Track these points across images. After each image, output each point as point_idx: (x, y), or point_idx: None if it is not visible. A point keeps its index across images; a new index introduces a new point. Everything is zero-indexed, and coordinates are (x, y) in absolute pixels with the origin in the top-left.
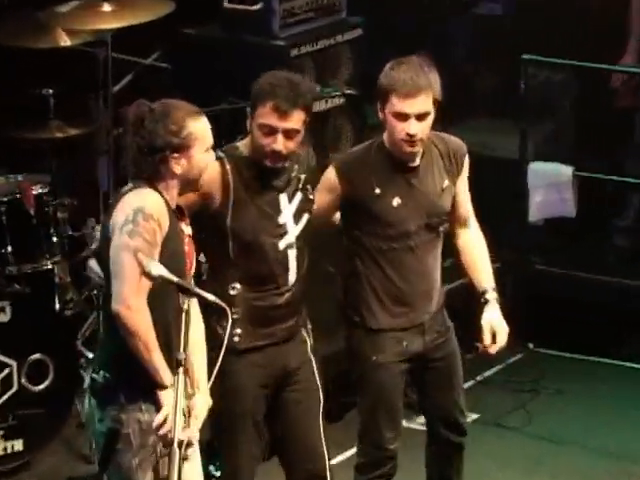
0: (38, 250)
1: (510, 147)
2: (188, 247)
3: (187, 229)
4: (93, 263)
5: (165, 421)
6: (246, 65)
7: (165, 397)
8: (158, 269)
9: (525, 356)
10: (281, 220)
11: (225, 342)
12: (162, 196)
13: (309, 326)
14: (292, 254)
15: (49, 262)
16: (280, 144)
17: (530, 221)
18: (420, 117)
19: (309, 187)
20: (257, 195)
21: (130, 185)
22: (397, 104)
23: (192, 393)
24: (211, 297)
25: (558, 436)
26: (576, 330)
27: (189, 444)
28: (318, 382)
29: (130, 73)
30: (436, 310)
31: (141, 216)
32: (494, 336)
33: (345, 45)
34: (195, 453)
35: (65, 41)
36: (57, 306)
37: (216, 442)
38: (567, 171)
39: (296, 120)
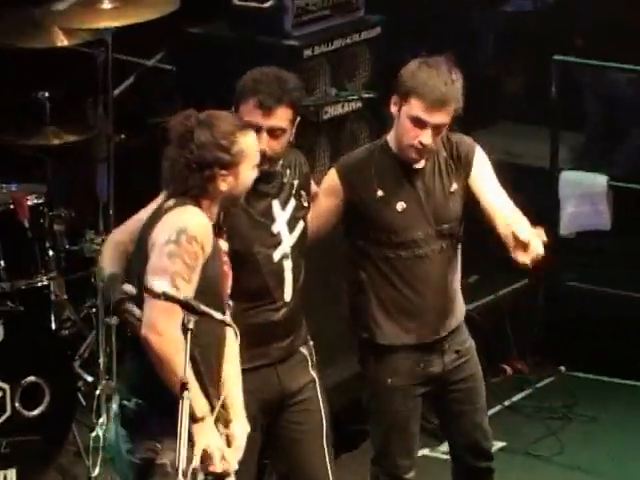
0: (33, 265)
1: (540, 154)
2: (227, 266)
3: (224, 245)
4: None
5: (207, 456)
6: (256, 66)
7: (198, 430)
8: (160, 287)
9: (556, 380)
10: (275, 229)
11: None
12: (204, 212)
13: (310, 343)
14: (287, 266)
15: (44, 278)
16: (264, 143)
17: (562, 234)
18: (437, 128)
19: (303, 193)
20: (248, 203)
21: (173, 201)
22: (418, 110)
23: (229, 420)
24: (218, 315)
25: (591, 467)
26: (612, 352)
27: (226, 475)
28: (321, 404)
29: (132, 75)
30: (454, 328)
31: (184, 237)
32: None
33: (363, 45)
34: None
35: (62, 41)
36: (53, 325)
37: None
38: (602, 181)
39: (281, 117)
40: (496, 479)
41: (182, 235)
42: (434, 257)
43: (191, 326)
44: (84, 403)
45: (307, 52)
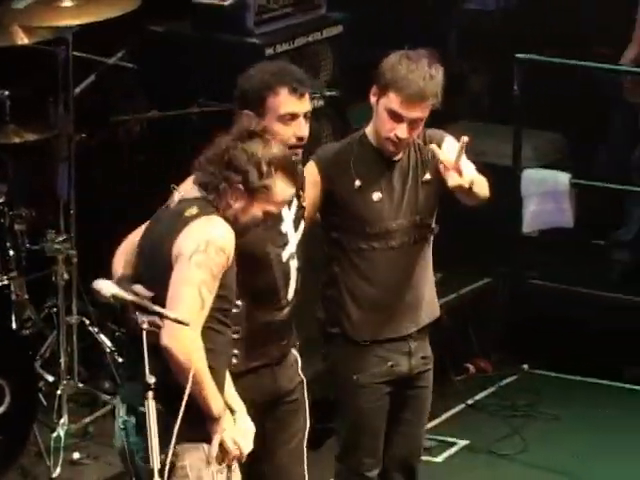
0: None
1: (503, 153)
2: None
3: None
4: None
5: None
6: (218, 65)
7: (216, 429)
8: (109, 289)
9: (519, 378)
10: (283, 228)
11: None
12: (226, 219)
13: (297, 343)
14: (293, 265)
15: (5, 278)
16: (305, 128)
17: (524, 232)
18: (413, 122)
19: (301, 192)
20: None
21: (196, 209)
22: (395, 103)
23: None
24: (172, 314)
25: (554, 465)
26: (574, 349)
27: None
28: (307, 405)
29: (93, 74)
30: (424, 327)
31: (213, 248)
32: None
33: (325, 43)
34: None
35: (22, 39)
36: (14, 325)
37: None
38: (564, 178)
39: (309, 101)
40: (460, 478)
41: (211, 245)
42: (406, 249)
43: (145, 326)
44: (45, 403)
45: (269, 50)
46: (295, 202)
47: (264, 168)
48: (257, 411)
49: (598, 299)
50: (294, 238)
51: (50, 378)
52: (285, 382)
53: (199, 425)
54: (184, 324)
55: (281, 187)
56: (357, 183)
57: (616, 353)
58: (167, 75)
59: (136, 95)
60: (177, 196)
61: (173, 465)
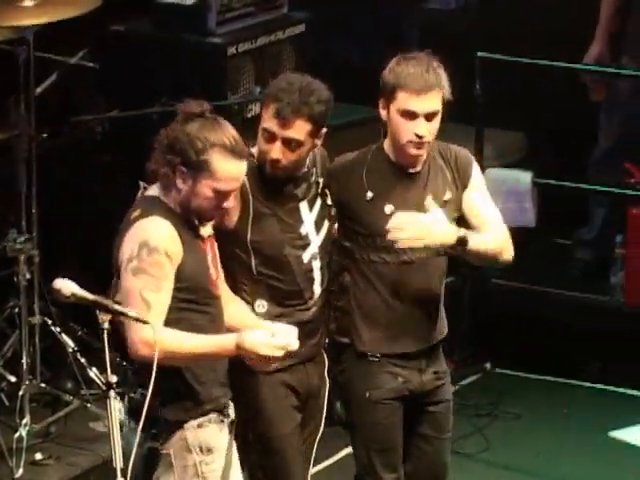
0: None
1: None
2: (211, 253)
3: (207, 230)
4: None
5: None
6: (180, 64)
7: (246, 353)
8: (69, 288)
9: (482, 377)
10: (303, 231)
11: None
12: (169, 210)
13: (326, 342)
14: (316, 265)
15: None
16: (277, 152)
17: None
18: (429, 117)
19: (327, 192)
20: (276, 205)
21: (139, 210)
22: (405, 101)
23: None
24: (132, 313)
25: (517, 464)
26: (537, 349)
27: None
28: (325, 407)
29: (54, 73)
30: (436, 344)
31: (145, 251)
32: None
33: (287, 42)
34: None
35: None
36: None
37: (260, 473)
38: (526, 178)
39: (298, 129)
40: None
41: (143, 248)
42: (420, 264)
43: (106, 326)
44: (7, 403)
45: (231, 50)
46: (319, 202)
47: (198, 144)
48: (297, 396)
49: (561, 298)
50: (316, 239)
51: (12, 378)
52: (315, 380)
53: (185, 411)
54: (144, 322)
55: (219, 162)
56: (369, 194)
57: (578, 352)
58: (129, 74)
59: (98, 95)
60: (139, 195)
61: (158, 451)
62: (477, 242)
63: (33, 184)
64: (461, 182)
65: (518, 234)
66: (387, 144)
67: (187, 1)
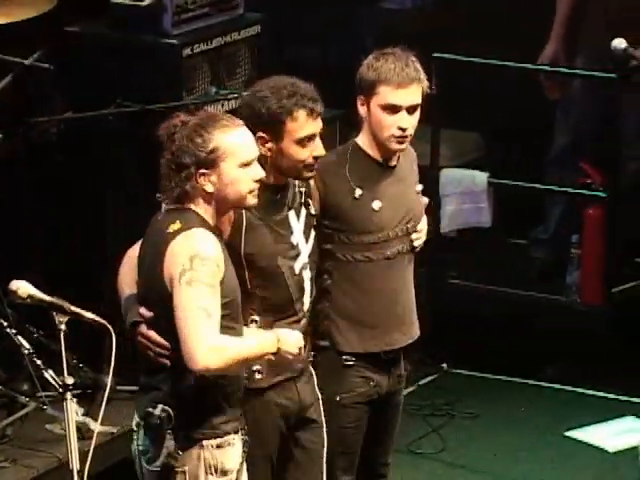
0: None
1: (421, 152)
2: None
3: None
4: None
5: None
6: (135, 65)
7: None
8: (25, 289)
9: (439, 377)
10: (294, 240)
11: (112, 361)
12: (204, 221)
13: (312, 357)
14: (307, 276)
15: None
16: (321, 147)
17: (443, 232)
18: (410, 110)
19: (310, 201)
20: (268, 216)
21: (179, 224)
22: (387, 95)
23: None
24: (89, 315)
25: (474, 464)
26: (494, 349)
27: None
28: (324, 420)
29: (9, 74)
30: (410, 343)
31: (198, 261)
32: None
33: (242, 43)
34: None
35: None
36: None
37: None
38: (482, 178)
39: (320, 121)
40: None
41: (195, 260)
42: (399, 259)
43: (63, 327)
44: None
45: (186, 51)
46: (304, 211)
47: (198, 140)
48: (285, 422)
49: (517, 297)
50: (306, 248)
51: None
52: (306, 396)
53: (209, 429)
54: (104, 326)
55: (225, 139)
56: (358, 192)
57: (535, 351)
58: (84, 75)
59: (53, 96)
60: (164, 206)
61: (172, 468)
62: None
63: None
64: (416, 175)
65: (474, 234)
66: (363, 141)
67: (143, 2)
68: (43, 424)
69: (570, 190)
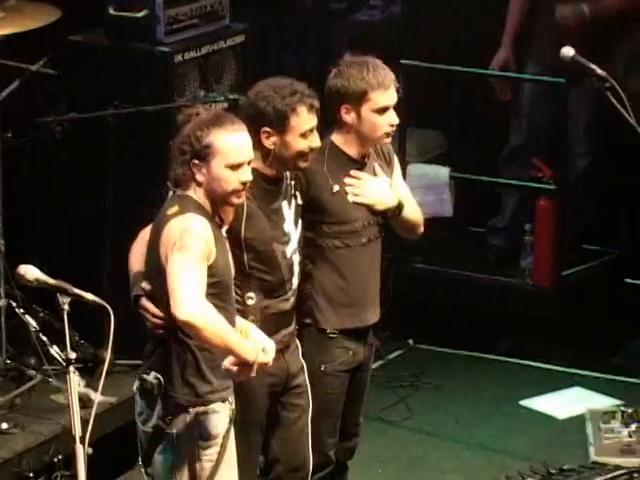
0: None
1: None
2: (231, 252)
3: (224, 231)
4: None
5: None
6: (132, 71)
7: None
8: (32, 273)
9: (405, 352)
10: (286, 227)
11: (111, 338)
12: (201, 207)
13: (296, 330)
14: (296, 259)
15: None
16: (317, 138)
17: None
18: (394, 107)
19: (298, 193)
20: (265, 205)
21: (177, 207)
22: (379, 99)
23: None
24: (90, 296)
25: (437, 430)
26: (455, 326)
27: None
28: (308, 388)
29: (17, 79)
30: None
31: (188, 236)
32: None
33: (229, 51)
34: None
35: None
36: None
37: None
38: (444, 172)
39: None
40: None
41: (185, 234)
42: (372, 245)
43: (66, 307)
44: None
45: (178, 58)
46: (294, 202)
47: (198, 133)
48: (270, 396)
49: (476, 280)
50: (295, 235)
51: None
52: (292, 366)
53: (194, 397)
54: (103, 306)
55: (220, 139)
56: (335, 188)
57: (492, 329)
58: (86, 80)
59: (57, 99)
60: (170, 193)
61: (162, 431)
62: (409, 210)
63: None
64: (390, 170)
65: (437, 224)
66: (340, 140)
67: (138, 14)
68: (48, 394)
69: (525, 184)
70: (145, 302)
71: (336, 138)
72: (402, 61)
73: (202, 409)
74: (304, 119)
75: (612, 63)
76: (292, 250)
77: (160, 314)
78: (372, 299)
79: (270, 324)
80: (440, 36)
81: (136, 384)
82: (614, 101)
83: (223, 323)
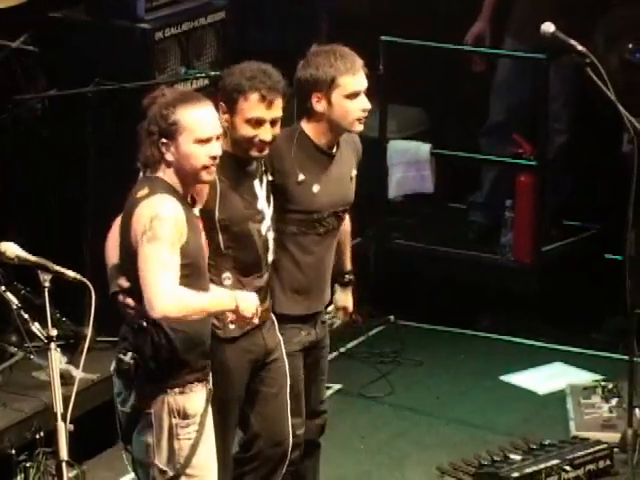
0: None
1: (370, 126)
2: (203, 232)
3: (196, 210)
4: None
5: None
6: (112, 48)
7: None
8: (13, 250)
9: (386, 328)
10: (259, 206)
11: (92, 315)
12: (171, 188)
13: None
14: (270, 236)
15: None
16: (268, 133)
17: (390, 197)
18: (366, 92)
19: (267, 171)
20: (238, 185)
21: (147, 190)
22: (348, 84)
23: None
24: (70, 273)
25: (418, 406)
26: (435, 302)
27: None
28: (286, 362)
29: None
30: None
31: (157, 222)
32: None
33: (209, 28)
34: None
35: None
36: None
37: None
38: (425, 149)
39: (279, 108)
40: (334, 418)
41: (154, 221)
42: (328, 236)
43: (47, 284)
44: None
45: (158, 34)
46: (265, 179)
47: (164, 112)
48: (250, 372)
49: (456, 257)
50: (268, 212)
51: None
52: (270, 341)
53: (169, 375)
54: (84, 283)
55: (185, 114)
56: (301, 177)
57: (472, 305)
58: (66, 57)
59: (38, 76)
60: (140, 175)
61: (140, 410)
62: None
63: None
64: (357, 162)
65: (418, 200)
66: (309, 129)
67: None
68: (30, 372)
69: (504, 159)
70: (123, 298)
71: (306, 127)
72: (383, 37)
73: (179, 389)
74: (251, 106)
75: (592, 39)
76: (266, 227)
77: (139, 306)
78: (322, 287)
79: None
80: (422, 12)
81: (113, 365)
82: (594, 77)
83: (197, 298)
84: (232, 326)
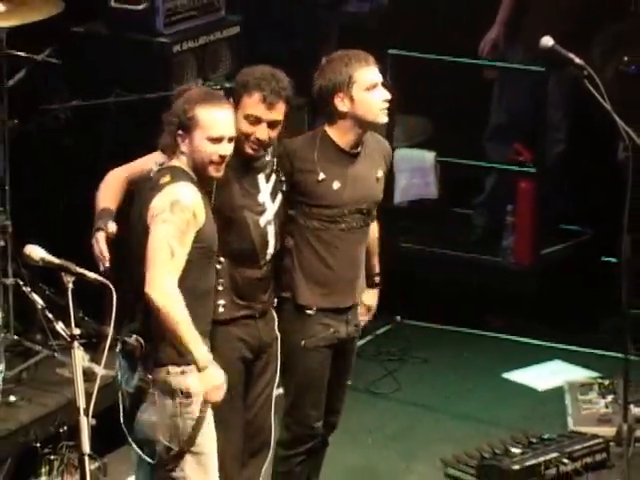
0: None
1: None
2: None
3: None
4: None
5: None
6: (132, 61)
7: (203, 377)
8: (38, 253)
9: (393, 327)
10: (261, 198)
11: (113, 314)
12: (190, 176)
13: (275, 302)
14: (271, 230)
15: None
16: (265, 133)
17: (396, 203)
18: (382, 84)
19: (280, 170)
20: (240, 176)
21: (169, 177)
22: (365, 77)
23: None
24: (92, 275)
25: (424, 402)
26: (441, 302)
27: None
28: (278, 360)
29: (23, 69)
30: (357, 302)
31: (178, 207)
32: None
33: (224, 42)
34: None
35: None
36: None
37: None
38: (430, 156)
39: (279, 111)
40: (343, 413)
41: (175, 206)
42: (352, 232)
43: (70, 285)
44: None
45: (176, 48)
46: (274, 177)
47: (185, 106)
48: (251, 351)
49: (460, 259)
50: (271, 207)
51: None
52: (265, 335)
53: (173, 358)
54: (105, 284)
55: (203, 113)
56: (321, 176)
57: (476, 305)
58: (88, 69)
59: (61, 87)
60: (155, 166)
61: (144, 390)
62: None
63: (6, 164)
64: (385, 165)
65: (423, 205)
66: (332, 131)
67: (138, 6)
68: (54, 368)
69: (505, 167)
70: (100, 237)
71: (329, 130)
72: (390, 51)
73: (182, 368)
74: (252, 103)
75: (589, 52)
76: (267, 221)
77: (107, 256)
78: (349, 284)
79: (241, 289)
80: (426, 25)
81: (118, 347)
82: (591, 88)
83: (187, 316)
84: (220, 309)
